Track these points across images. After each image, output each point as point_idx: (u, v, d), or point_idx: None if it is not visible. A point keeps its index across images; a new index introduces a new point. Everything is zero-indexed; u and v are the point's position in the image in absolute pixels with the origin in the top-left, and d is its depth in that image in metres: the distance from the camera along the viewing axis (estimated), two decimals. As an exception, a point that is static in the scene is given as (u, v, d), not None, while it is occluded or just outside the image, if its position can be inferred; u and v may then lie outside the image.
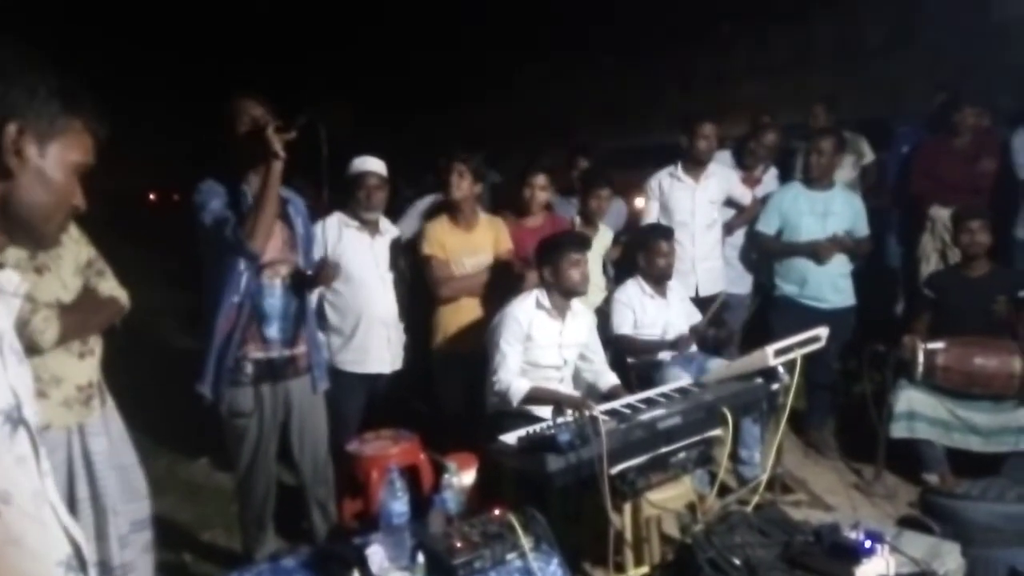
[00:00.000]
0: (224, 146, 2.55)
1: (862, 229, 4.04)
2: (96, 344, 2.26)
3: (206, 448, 3.90)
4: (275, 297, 2.62)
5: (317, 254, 3.00)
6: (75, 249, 2.22)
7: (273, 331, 2.63)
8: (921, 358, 3.55)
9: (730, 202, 4.25)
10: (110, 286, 2.30)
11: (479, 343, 3.19)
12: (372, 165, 3.31)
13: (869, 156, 4.75)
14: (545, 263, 3.04)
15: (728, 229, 4.24)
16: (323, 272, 2.72)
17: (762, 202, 4.20)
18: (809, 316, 3.68)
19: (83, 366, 2.19)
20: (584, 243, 3.17)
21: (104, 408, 2.28)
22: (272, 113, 2.48)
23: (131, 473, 2.35)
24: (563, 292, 3.03)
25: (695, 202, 4.05)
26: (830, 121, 4.66)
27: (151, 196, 18.61)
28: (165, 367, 4.27)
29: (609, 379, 3.17)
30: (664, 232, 3.68)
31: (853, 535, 1.97)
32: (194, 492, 3.72)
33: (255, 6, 11.71)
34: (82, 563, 0.89)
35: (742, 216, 4.26)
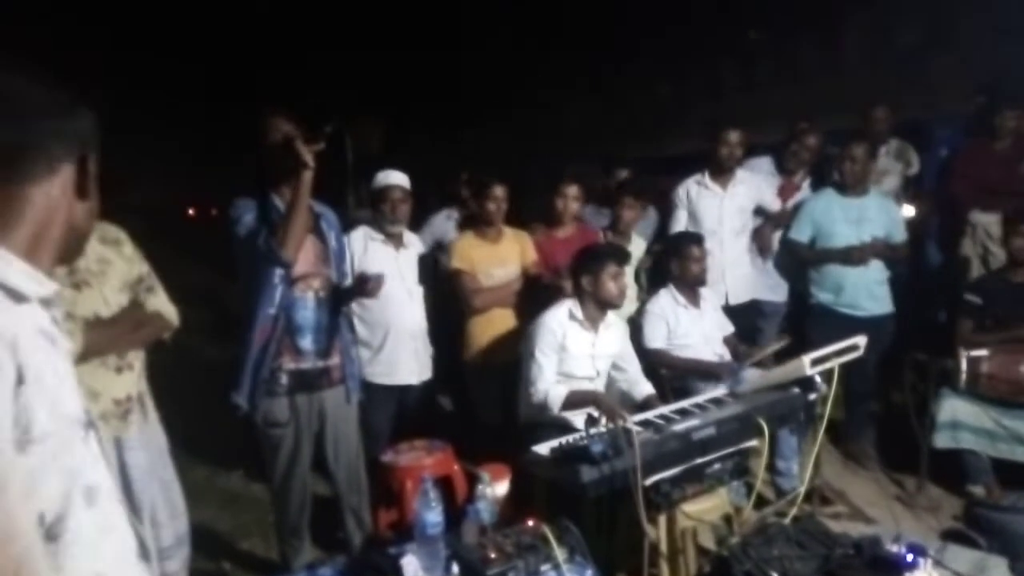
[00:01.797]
0: (256, 160, 2.62)
1: (899, 235, 3.97)
2: (136, 359, 2.28)
3: (244, 457, 3.97)
4: (308, 309, 2.67)
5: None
6: (125, 267, 2.25)
7: (307, 343, 2.67)
8: (964, 366, 3.46)
9: (759, 211, 4.19)
10: (159, 302, 2.33)
11: (512, 353, 3.20)
12: (396, 179, 3.36)
13: (916, 166, 4.65)
14: (584, 272, 3.03)
15: (759, 238, 4.18)
16: (367, 285, 2.75)
17: (794, 209, 4.15)
18: (846, 324, 3.61)
19: (121, 380, 2.22)
20: (625, 256, 3.16)
21: (146, 422, 2.30)
22: (301, 127, 2.54)
23: (170, 489, 2.37)
24: (599, 303, 3.03)
25: (723, 209, 4.03)
26: (891, 124, 4.58)
27: (190, 211, 18.97)
28: (203, 377, 4.36)
29: (644, 388, 3.15)
30: (695, 238, 3.67)
31: (895, 549, 1.92)
32: (232, 501, 3.79)
33: (290, 25, 11.96)
34: (146, 553, 0.96)
35: (771, 222, 4.19)
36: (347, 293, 2.84)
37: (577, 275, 3.07)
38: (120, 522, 0.94)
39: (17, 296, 0.85)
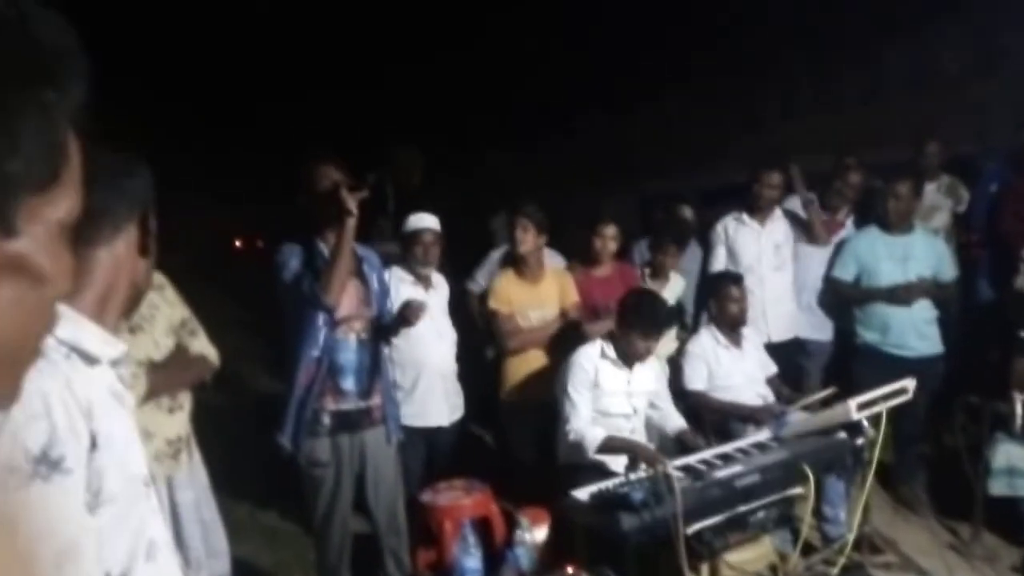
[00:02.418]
0: (303, 206, 2.70)
1: (947, 273, 3.87)
2: (185, 399, 2.37)
3: (285, 494, 4.00)
4: (350, 351, 2.73)
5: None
6: (169, 311, 2.35)
7: (349, 384, 2.72)
8: (1020, 410, 3.33)
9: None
10: (201, 345, 2.42)
11: (547, 392, 3.20)
12: (428, 222, 3.40)
13: (965, 203, 4.54)
14: (621, 321, 3.04)
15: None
16: (408, 311, 2.79)
17: (838, 247, 4.08)
18: (894, 365, 3.52)
19: (172, 421, 2.30)
20: (662, 327, 3.15)
21: (191, 461, 2.38)
22: (347, 174, 2.61)
23: (211, 529, 2.42)
24: (624, 355, 3.03)
25: (761, 246, 4.00)
26: (943, 159, 4.50)
27: (237, 243, 19.32)
28: (247, 411, 4.43)
29: (676, 422, 3.13)
30: (734, 278, 3.64)
31: (950, 607, 1.85)
32: (274, 537, 3.81)
33: (332, 59, 12.33)
34: None
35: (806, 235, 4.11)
36: (389, 327, 2.88)
37: (617, 315, 3.07)
38: (175, 574, 0.97)
39: (90, 359, 0.88)
